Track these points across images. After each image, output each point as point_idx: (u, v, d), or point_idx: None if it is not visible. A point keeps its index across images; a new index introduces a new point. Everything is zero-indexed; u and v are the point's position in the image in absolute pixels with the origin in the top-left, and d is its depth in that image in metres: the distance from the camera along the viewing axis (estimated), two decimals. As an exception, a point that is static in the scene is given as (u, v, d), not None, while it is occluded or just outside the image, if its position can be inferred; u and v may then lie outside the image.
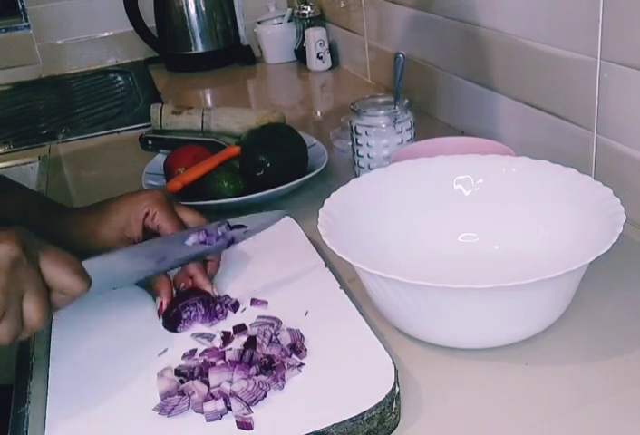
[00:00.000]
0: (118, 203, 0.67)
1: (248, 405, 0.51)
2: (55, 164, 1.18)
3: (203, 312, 0.62)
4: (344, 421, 0.48)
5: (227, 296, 0.65)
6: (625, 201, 0.59)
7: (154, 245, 0.62)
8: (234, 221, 0.66)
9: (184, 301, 0.63)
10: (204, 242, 0.64)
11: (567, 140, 0.83)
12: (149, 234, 0.67)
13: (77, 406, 0.54)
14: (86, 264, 0.53)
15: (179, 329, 0.62)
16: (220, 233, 0.65)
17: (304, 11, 1.58)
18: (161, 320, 0.63)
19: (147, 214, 0.66)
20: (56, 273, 0.50)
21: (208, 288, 0.65)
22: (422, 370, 0.57)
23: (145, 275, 0.61)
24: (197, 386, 0.53)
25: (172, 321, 0.62)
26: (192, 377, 0.55)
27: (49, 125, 1.43)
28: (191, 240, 0.63)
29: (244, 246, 0.72)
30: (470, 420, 0.52)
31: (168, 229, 0.65)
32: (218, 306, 0.63)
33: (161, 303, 0.64)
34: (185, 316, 0.62)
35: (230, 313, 0.64)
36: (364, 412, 0.49)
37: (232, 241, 0.66)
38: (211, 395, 0.52)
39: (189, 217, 0.68)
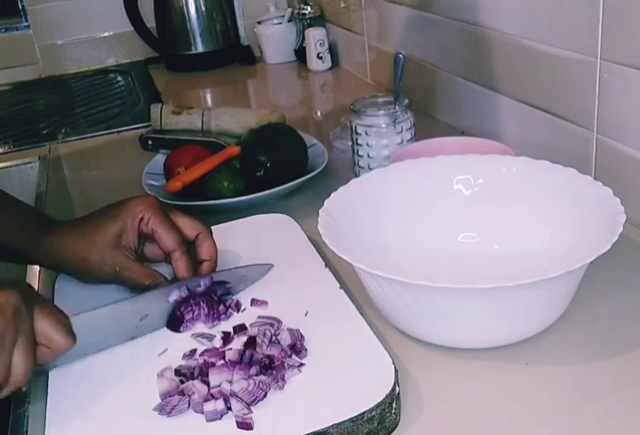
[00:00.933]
0: (112, 211, 0.67)
1: (248, 405, 0.51)
2: (55, 164, 1.18)
3: (206, 311, 0.62)
4: (344, 421, 0.48)
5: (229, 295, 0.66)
6: (625, 201, 0.59)
7: (138, 302, 0.61)
8: (217, 276, 0.66)
9: (188, 301, 0.63)
10: (186, 297, 0.63)
11: (567, 140, 0.83)
12: (143, 240, 0.67)
13: (77, 406, 0.54)
14: (73, 320, 0.55)
15: (181, 329, 0.62)
16: (203, 286, 0.65)
17: (304, 11, 1.58)
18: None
19: (142, 219, 0.65)
20: (47, 327, 0.52)
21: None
22: (422, 370, 0.57)
23: (129, 335, 0.61)
24: (197, 386, 0.53)
25: (175, 321, 0.62)
26: (192, 377, 0.55)
27: (49, 125, 1.43)
28: (173, 297, 0.63)
29: (244, 246, 0.72)
30: (470, 420, 0.52)
31: (162, 233, 0.65)
32: (221, 306, 0.63)
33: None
34: (188, 317, 0.62)
35: (233, 313, 0.63)
36: (364, 412, 0.49)
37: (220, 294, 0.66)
38: (211, 395, 0.52)
39: (183, 221, 0.68)
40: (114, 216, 0.66)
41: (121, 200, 0.68)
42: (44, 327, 0.52)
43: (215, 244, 0.68)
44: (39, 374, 0.57)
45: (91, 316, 0.58)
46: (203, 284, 0.65)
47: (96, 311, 0.59)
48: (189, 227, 0.68)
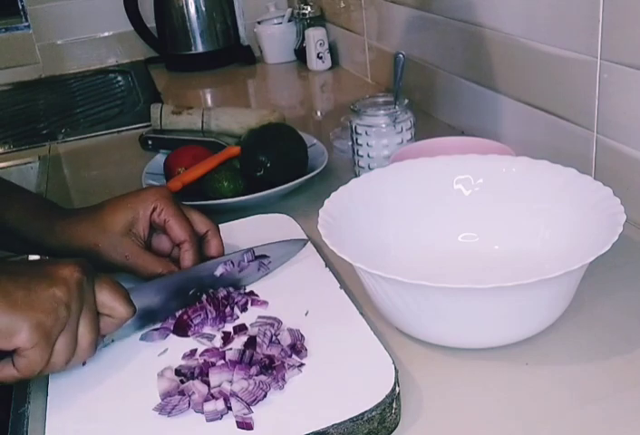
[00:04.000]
0: (126, 199, 0.68)
1: (248, 405, 0.51)
2: (55, 164, 1.18)
3: (214, 315, 0.62)
4: (344, 421, 0.48)
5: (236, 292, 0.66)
6: (625, 201, 0.59)
7: (185, 275, 0.64)
8: (258, 250, 0.68)
9: (195, 304, 0.63)
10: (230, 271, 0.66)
11: (567, 140, 0.83)
12: (151, 232, 0.68)
13: (77, 406, 0.54)
14: (131, 292, 0.58)
15: (189, 334, 0.61)
16: (246, 261, 0.67)
17: (304, 11, 1.58)
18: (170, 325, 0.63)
19: (154, 209, 0.66)
20: (109, 298, 0.55)
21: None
22: (422, 370, 0.57)
23: (180, 307, 0.63)
24: (197, 386, 0.53)
25: (183, 326, 0.61)
26: (192, 377, 0.55)
27: (49, 125, 1.43)
28: (220, 271, 0.65)
29: (244, 246, 0.72)
30: (470, 420, 0.52)
31: (174, 223, 0.66)
32: (227, 309, 0.63)
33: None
34: (196, 321, 0.62)
35: (239, 315, 0.63)
36: (364, 412, 0.49)
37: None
38: (211, 395, 0.52)
39: (194, 215, 0.69)
40: (127, 204, 0.67)
41: (135, 190, 0.69)
42: (106, 298, 0.55)
43: (222, 242, 0.69)
44: (99, 348, 0.58)
45: (147, 288, 0.62)
46: (246, 258, 0.67)
47: (151, 283, 0.62)
48: (199, 222, 0.69)
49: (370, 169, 0.87)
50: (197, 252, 0.67)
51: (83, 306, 0.52)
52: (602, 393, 0.53)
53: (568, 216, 0.64)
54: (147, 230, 0.67)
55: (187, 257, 0.66)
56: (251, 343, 0.58)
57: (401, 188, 0.70)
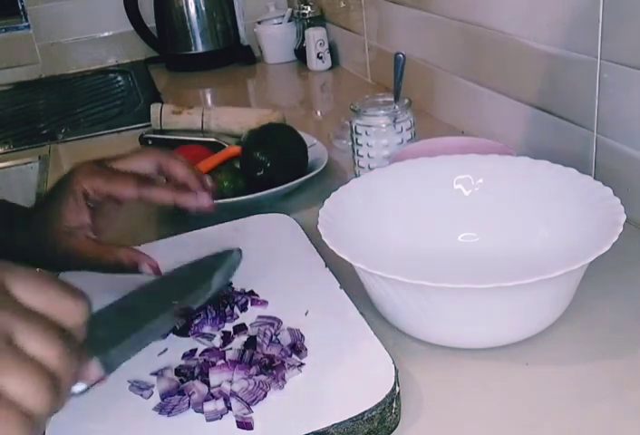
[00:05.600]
0: (47, 195, 0.63)
1: (248, 405, 0.51)
2: (55, 164, 1.18)
3: (214, 314, 0.62)
4: (344, 421, 0.48)
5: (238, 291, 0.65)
6: (625, 201, 0.59)
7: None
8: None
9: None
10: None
11: (567, 140, 0.83)
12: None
13: (76, 406, 0.54)
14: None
15: (189, 333, 0.61)
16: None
17: (304, 11, 1.58)
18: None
19: (86, 194, 0.61)
20: (36, 293, 0.33)
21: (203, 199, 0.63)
22: (422, 370, 0.57)
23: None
24: (197, 386, 0.53)
25: (183, 326, 0.61)
26: (192, 377, 0.55)
27: (49, 125, 1.43)
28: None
29: (244, 246, 0.72)
30: (470, 420, 0.52)
31: (116, 188, 0.61)
32: (227, 308, 0.63)
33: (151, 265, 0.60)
34: (196, 321, 0.62)
35: (239, 315, 0.63)
36: (365, 412, 0.49)
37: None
38: (211, 395, 0.52)
39: (131, 161, 0.64)
40: (49, 201, 0.62)
41: (60, 180, 0.63)
42: (31, 294, 0.33)
43: (185, 163, 0.64)
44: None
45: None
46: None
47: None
48: (141, 163, 0.64)
49: (370, 169, 0.87)
50: (162, 187, 0.62)
51: (6, 320, 0.32)
52: (602, 393, 0.53)
53: (568, 216, 0.64)
54: (87, 217, 0.61)
55: (157, 195, 0.62)
56: (251, 342, 0.58)
57: (401, 188, 0.70)
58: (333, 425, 0.48)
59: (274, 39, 1.66)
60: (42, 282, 0.34)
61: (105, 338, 0.41)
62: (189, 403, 0.52)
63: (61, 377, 0.33)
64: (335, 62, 1.56)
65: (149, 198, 0.62)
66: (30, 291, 0.33)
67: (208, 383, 0.53)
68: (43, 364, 0.32)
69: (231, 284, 0.67)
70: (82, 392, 0.39)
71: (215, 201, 0.84)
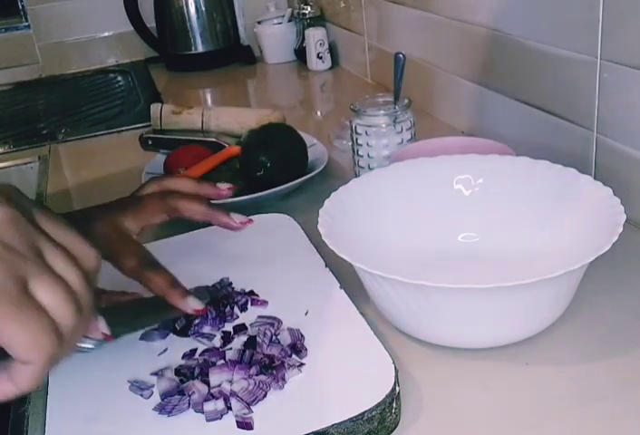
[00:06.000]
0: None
1: (248, 405, 0.51)
2: (55, 164, 1.18)
3: (214, 314, 0.62)
4: (344, 421, 0.48)
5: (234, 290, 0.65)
6: (625, 201, 0.59)
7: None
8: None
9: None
10: None
11: (567, 140, 0.83)
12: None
13: (77, 406, 0.54)
14: None
15: (189, 333, 0.61)
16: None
17: (304, 11, 1.58)
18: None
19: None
20: (62, 233, 0.39)
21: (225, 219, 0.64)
22: (422, 370, 0.57)
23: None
24: (197, 386, 0.53)
25: (183, 327, 0.61)
26: (192, 377, 0.55)
27: (49, 125, 1.43)
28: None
29: (244, 246, 0.72)
30: (470, 420, 0.52)
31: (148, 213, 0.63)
32: (227, 308, 0.63)
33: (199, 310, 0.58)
34: (196, 321, 0.61)
35: (239, 313, 0.63)
36: (364, 412, 0.49)
37: None
38: (211, 395, 0.52)
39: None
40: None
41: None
42: (60, 232, 0.39)
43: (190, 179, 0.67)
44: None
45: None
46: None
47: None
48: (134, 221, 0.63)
49: (370, 169, 0.87)
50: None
51: (37, 240, 0.36)
52: (602, 393, 0.53)
53: (568, 215, 0.64)
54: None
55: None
56: (251, 342, 0.58)
57: (401, 188, 0.70)
58: (333, 425, 0.48)
59: (274, 39, 1.66)
60: (65, 225, 0.39)
61: (109, 308, 0.49)
62: (189, 403, 0.52)
63: (81, 300, 0.37)
64: (335, 62, 1.56)
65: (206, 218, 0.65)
66: (56, 228, 0.38)
67: (208, 383, 0.53)
68: (69, 282, 0.37)
69: (231, 284, 0.67)
70: (91, 349, 0.46)
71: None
